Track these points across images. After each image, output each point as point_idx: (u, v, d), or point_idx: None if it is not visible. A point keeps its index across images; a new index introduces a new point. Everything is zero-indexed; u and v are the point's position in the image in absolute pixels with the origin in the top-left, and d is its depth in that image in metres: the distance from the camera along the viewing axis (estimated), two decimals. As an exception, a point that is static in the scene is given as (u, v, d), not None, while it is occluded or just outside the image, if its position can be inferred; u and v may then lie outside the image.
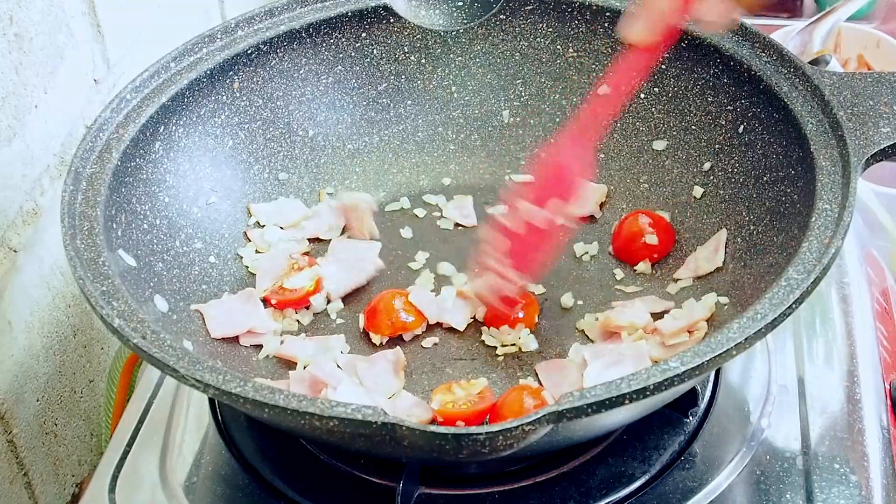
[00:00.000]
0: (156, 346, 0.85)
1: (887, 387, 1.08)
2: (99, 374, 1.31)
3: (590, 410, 0.77)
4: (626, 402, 0.78)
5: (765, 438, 1.01)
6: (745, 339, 0.82)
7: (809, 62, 1.41)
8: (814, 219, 0.92)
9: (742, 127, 1.12)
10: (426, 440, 0.77)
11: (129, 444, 1.07)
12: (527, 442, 0.78)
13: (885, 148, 0.97)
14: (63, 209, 0.97)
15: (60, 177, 1.20)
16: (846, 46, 1.62)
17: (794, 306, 0.85)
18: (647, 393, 0.79)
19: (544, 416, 0.76)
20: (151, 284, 1.01)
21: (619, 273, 1.16)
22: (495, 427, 0.76)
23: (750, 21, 1.66)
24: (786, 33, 1.58)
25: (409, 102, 1.28)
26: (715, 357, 0.81)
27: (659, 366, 0.80)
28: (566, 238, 1.10)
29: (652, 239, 1.14)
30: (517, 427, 0.76)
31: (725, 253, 1.10)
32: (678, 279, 1.12)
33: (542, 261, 1.07)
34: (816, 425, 1.02)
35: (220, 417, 1.07)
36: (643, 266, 1.15)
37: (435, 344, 1.10)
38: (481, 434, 0.76)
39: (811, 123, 1.02)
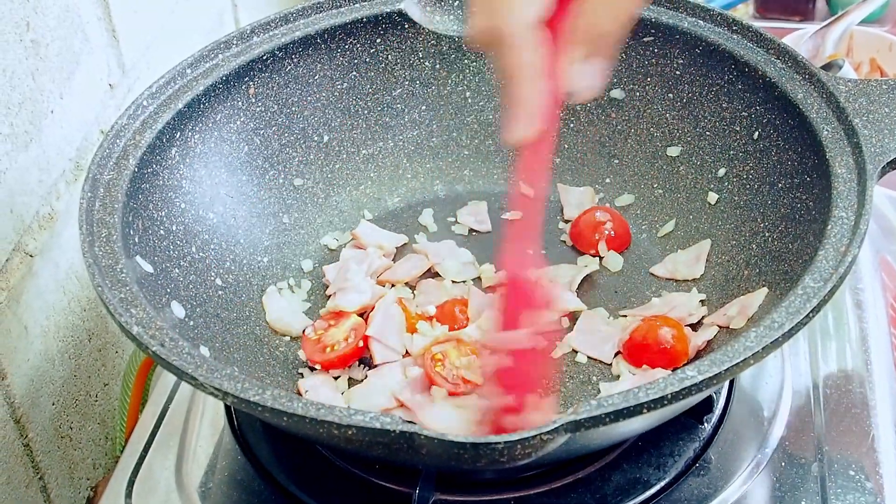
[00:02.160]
0: (174, 353, 0.86)
1: (901, 392, 1.09)
2: (114, 378, 1.31)
3: (607, 420, 0.78)
4: (644, 411, 0.78)
5: (780, 444, 1.01)
6: (763, 348, 0.82)
7: (822, 66, 1.42)
8: (830, 227, 0.92)
9: (757, 133, 1.12)
10: (444, 449, 0.77)
11: (146, 449, 1.07)
12: (545, 451, 0.78)
13: (900, 155, 0.98)
14: (81, 216, 0.97)
15: (76, 181, 1.20)
16: (858, 50, 1.62)
17: (811, 315, 0.85)
18: (665, 402, 0.79)
19: (562, 425, 0.76)
20: (168, 291, 1.02)
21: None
22: (514, 436, 0.76)
23: (762, 25, 1.68)
24: (798, 37, 1.57)
25: (424, 108, 1.28)
26: (732, 366, 0.81)
27: (676, 375, 0.80)
28: (557, 340, 1.07)
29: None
30: (535, 436, 0.76)
31: (740, 259, 1.10)
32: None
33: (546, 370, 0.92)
34: (831, 431, 1.03)
35: (235, 422, 1.07)
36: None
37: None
38: (500, 443, 0.76)
39: (826, 130, 1.02)
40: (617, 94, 1.24)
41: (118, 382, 1.31)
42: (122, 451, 1.18)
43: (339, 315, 1.11)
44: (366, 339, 1.09)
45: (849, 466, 0.99)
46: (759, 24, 1.47)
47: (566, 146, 1.27)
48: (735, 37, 1.14)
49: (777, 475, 0.99)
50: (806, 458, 1.00)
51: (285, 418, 0.80)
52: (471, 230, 1.24)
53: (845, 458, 1.00)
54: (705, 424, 1.02)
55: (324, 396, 1.04)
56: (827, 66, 1.42)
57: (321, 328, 1.10)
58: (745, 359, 0.81)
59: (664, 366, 1.04)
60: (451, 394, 1.03)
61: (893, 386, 1.08)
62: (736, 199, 1.13)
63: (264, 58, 1.18)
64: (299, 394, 1.05)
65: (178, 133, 1.11)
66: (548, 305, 0.89)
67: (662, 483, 0.98)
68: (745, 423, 1.04)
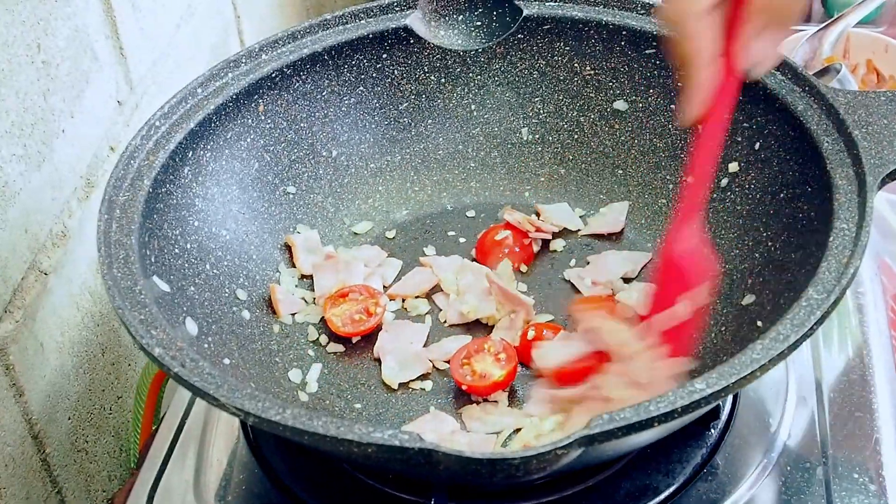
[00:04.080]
0: (195, 374, 0.87)
1: (903, 395, 1.10)
2: (127, 391, 1.32)
3: (619, 433, 0.79)
4: (655, 424, 0.80)
5: (785, 449, 1.03)
6: (769, 360, 0.84)
7: (820, 70, 1.43)
8: (832, 238, 0.94)
9: (758, 144, 1.13)
10: (461, 465, 0.79)
11: (164, 463, 1.09)
12: (559, 465, 0.80)
13: (900, 167, 0.99)
14: (99, 238, 0.98)
15: (87, 198, 1.21)
16: (855, 52, 1.63)
17: (815, 327, 0.87)
18: (675, 415, 0.81)
19: (576, 440, 0.78)
20: (184, 308, 1.03)
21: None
22: (529, 452, 0.78)
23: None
24: (796, 39, 1.59)
25: (430, 121, 1.30)
26: (740, 379, 0.83)
27: (685, 388, 0.82)
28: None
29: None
30: (550, 451, 0.78)
31: (744, 268, 1.12)
32: None
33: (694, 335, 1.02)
34: (835, 435, 1.04)
35: (251, 435, 1.09)
36: None
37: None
38: (516, 459, 0.78)
39: (826, 142, 1.04)
40: (620, 105, 1.25)
41: (131, 395, 1.32)
42: (136, 463, 1.20)
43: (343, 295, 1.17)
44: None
45: (853, 469, 1.01)
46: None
47: (570, 157, 1.29)
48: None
49: (783, 479, 1.00)
50: (811, 461, 1.02)
51: (306, 437, 0.81)
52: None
53: (849, 461, 1.01)
54: (712, 430, 1.04)
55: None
56: (825, 71, 1.44)
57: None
58: (752, 371, 0.83)
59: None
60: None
61: (894, 389, 1.10)
62: (738, 208, 1.15)
63: (273, 75, 1.19)
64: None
65: (191, 152, 1.12)
66: (703, 281, 0.97)
67: (671, 489, 0.99)
68: (751, 428, 1.05)
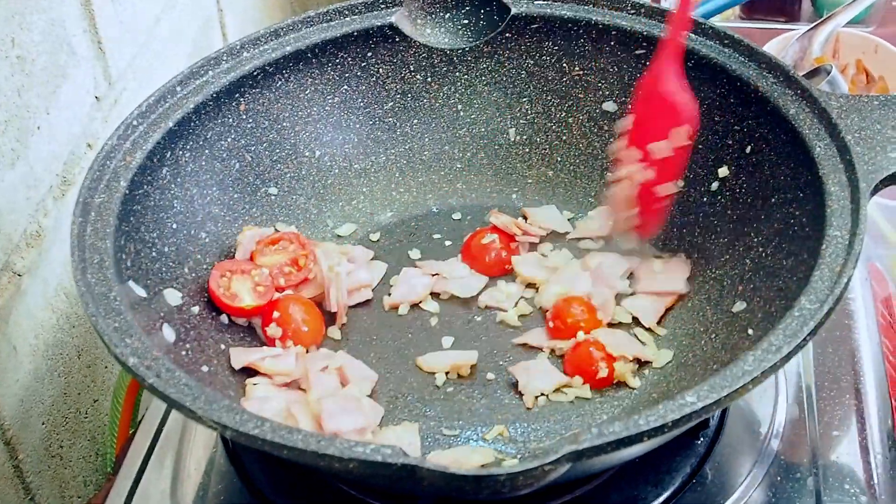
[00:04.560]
0: (171, 385, 0.85)
1: (894, 403, 1.09)
2: (103, 393, 1.30)
3: (609, 449, 0.78)
4: (645, 439, 0.79)
5: (775, 459, 1.02)
6: (762, 372, 0.82)
7: (810, 71, 1.42)
8: (824, 246, 0.93)
9: (749, 147, 1.12)
10: (446, 481, 0.77)
11: (141, 470, 1.07)
12: (546, 481, 0.78)
13: (893, 173, 0.98)
14: (73, 242, 0.96)
15: (63, 197, 1.19)
16: (844, 52, 1.62)
17: (808, 338, 0.85)
18: (665, 430, 0.79)
19: (564, 455, 0.77)
20: (161, 314, 1.01)
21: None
22: (516, 468, 0.76)
23: (748, 25, 1.67)
24: (785, 39, 1.57)
25: (416, 121, 1.28)
26: (732, 392, 0.81)
27: (676, 401, 0.80)
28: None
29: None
30: (537, 468, 0.76)
31: (734, 274, 1.10)
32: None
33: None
34: (825, 444, 1.03)
35: (230, 443, 1.07)
36: None
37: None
38: (501, 475, 0.76)
39: (819, 147, 1.02)
40: (609, 106, 1.23)
41: (108, 398, 1.30)
42: (112, 468, 1.18)
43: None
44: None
45: (844, 480, 1.00)
46: (744, 25, 1.48)
47: (558, 159, 1.27)
48: (727, 51, 1.14)
49: (773, 490, 0.99)
50: (801, 472, 1.01)
51: (286, 451, 0.79)
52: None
53: (840, 471, 1.01)
54: (701, 440, 1.03)
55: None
56: (815, 72, 1.42)
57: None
58: (744, 384, 0.82)
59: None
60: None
61: (885, 397, 1.09)
62: (729, 213, 1.13)
63: (255, 73, 1.17)
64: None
65: (169, 152, 1.10)
66: (686, 119, 1.07)
67: (660, 500, 0.98)
68: (741, 437, 1.04)
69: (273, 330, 1.10)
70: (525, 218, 1.24)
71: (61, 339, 1.21)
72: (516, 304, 1.17)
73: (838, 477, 1.00)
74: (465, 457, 0.99)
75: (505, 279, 1.19)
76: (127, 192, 1.03)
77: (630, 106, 1.15)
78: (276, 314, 1.10)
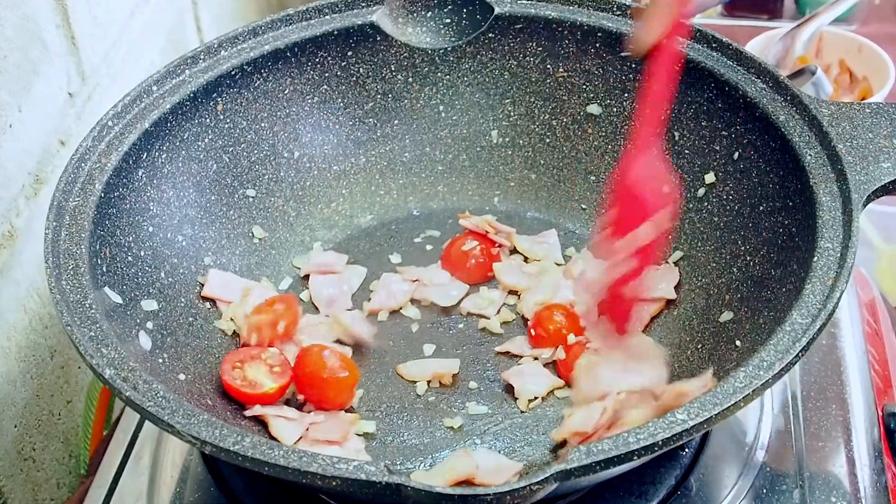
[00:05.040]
0: (149, 398, 0.83)
1: (880, 413, 1.08)
2: (77, 394, 1.28)
3: (597, 468, 0.77)
4: (635, 458, 0.78)
5: (761, 470, 1.01)
6: (753, 390, 0.81)
7: (795, 72, 1.41)
8: (816, 258, 0.91)
9: (737, 154, 1.10)
10: (431, 500, 0.76)
11: (117, 476, 1.06)
12: (533, 500, 0.77)
13: (886, 184, 0.96)
14: (47, 248, 0.94)
15: (36, 196, 1.17)
16: (828, 51, 1.61)
17: (800, 354, 0.84)
18: (655, 449, 0.78)
19: (552, 475, 0.76)
20: (137, 321, 0.99)
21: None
22: (503, 488, 0.76)
23: (730, 23, 1.66)
24: (768, 38, 1.56)
25: (397, 122, 1.26)
26: (723, 410, 0.80)
27: (666, 419, 0.79)
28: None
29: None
30: (524, 487, 0.76)
31: (720, 283, 1.09)
32: None
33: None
34: (812, 455, 1.02)
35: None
36: None
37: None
38: (489, 495, 0.75)
39: (809, 155, 1.01)
40: (594, 109, 1.22)
41: (81, 399, 1.28)
42: (86, 469, 1.16)
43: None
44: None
45: (830, 492, 0.99)
46: (726, 23, 1.46)
47: (541, 162, 1.25)
48: (715, 54, 1.12)
49: (759, 502, 0.98)
50: (787, 484, 0.99)
51: (266, 468, 0.78)
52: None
53: (827, 483, 1.00)
54: (686, 451, 1.01)
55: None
56: (800, 72, 1.41)
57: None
58: (735, 402, 0.81)
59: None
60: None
61: (871, 407, 1.08)
62: (716, 220, 1.12)
63: (232, 73, 1.15)
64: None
65: (145, 153, 1.08)
66: (663, 205, 0.99)
67: (644, 512, 0.97)
68: (726, 448, 1.03)
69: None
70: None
71: (34, 340, 1.19)
72: (499, 311, 1.15)
73: (825, 489, 0.99)
74: (451, 468, 0.98)
75: (487, 285, 1.18)
76: (102, 195, 1.01)
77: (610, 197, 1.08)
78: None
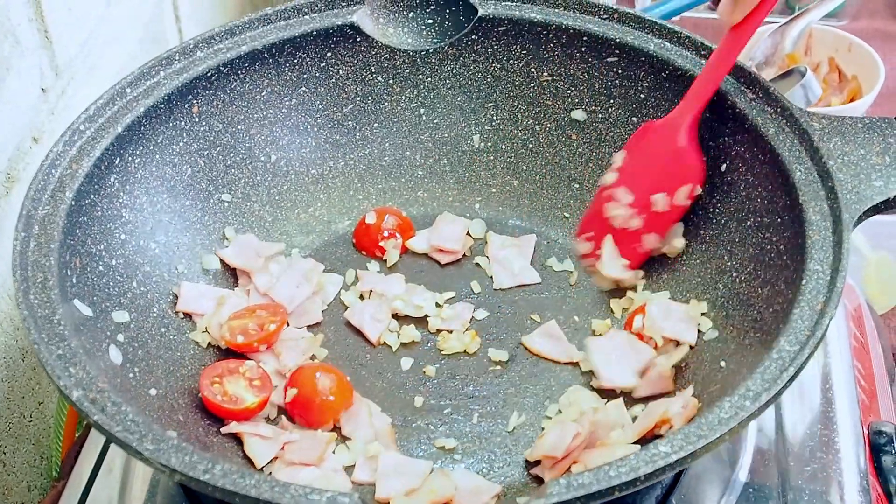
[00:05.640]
0: (117, 421, 0.81)
1: (865, 431, 1.06)
2: (49, 395, 1.26)
3: (577, 503, 0.75)
4: (616, 492, 0.76)
5: (744, 491, 0.99)
6: (739, 423, 0.79)
7: (784, 73, 1.38)
8: (804, 281, 0.89)
9: (725, 166, 1.08)
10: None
11: (87, 490, 1.04)
12: (514, 534, 0.76)
13: (877, 204, 0.94)
14: (14, 260, 0.92)
15: (8, 194, 1.15)
16: (817, 49, 1.59)
17: (788, 384, 0.82)
18: (637, 483, 0.77)
19: (533, 511, 0.74)
20: (108, 334, 0.97)
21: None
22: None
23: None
24: (758, 34, 1.54)
25: (376, 125, 1.24)
26: (708, 444, 0.78)
27: (648, 451, 0.78)
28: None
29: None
30: (505, 524, 0.74)
31: (705, 300, 1.07)
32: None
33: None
34: (796, 476, 1.01)
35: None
36: None
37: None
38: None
39: (799, 171, 0.98)
40: (578, 115, 1.20)
41: (53, 400, 1.27)
42: (58, 471, 1.14)
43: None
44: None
45: (815, 515, 0.98)
46: (713, 17, 1.43)
47: (523, 168, 1.24)
48: (703, 61, 1.10)
49: (742, 524, 0.97)
50: (771, 504, 0.98)
51: (238, 499, 0.76)
52: (426, 254, 1.21)
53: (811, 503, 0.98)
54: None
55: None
56: (789, 73, 1.39)
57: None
58: (720, 435, 0.79)
59: None
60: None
61: (857, 424, 1.06)
62: (702, 233, 1.10)
63: (208, 74, 1.13)
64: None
65: (118, 159, 1.06)
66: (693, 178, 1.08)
67: (624, 533, 0.95)
68: (708, 467, 1.01)
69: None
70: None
71: (4, 341, 1.17)
72: (466, 329, 1.13)
73: (809, 510, 0.98)
74: (431, 491, 0.96)
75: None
76: (73, 202, 0.99)
77: (627, 142, 1.13)
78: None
